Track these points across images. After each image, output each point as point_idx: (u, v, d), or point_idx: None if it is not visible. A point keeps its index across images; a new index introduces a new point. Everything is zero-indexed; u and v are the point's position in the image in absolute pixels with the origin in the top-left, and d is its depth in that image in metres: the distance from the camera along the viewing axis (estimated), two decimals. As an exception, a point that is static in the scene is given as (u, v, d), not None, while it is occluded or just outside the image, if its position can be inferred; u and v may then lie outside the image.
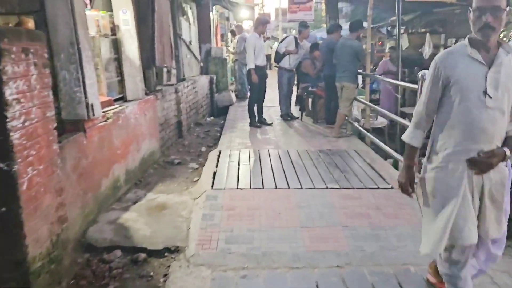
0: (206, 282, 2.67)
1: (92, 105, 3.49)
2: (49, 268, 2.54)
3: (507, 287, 2.58)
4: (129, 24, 4.73)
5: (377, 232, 3.28)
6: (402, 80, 6.55)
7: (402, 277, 2.69)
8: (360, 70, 6.41)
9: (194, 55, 8.87)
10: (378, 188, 4.13)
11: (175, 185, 4.56)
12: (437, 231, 2.06)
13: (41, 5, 3.27)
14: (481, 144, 1.95)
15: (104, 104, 3.96)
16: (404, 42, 8.34)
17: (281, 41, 7.88)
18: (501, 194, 2.04)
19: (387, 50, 10.06)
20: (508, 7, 1.87)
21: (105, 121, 3.84)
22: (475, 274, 2.29)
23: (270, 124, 7.27)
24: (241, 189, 4.14)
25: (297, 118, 7.79)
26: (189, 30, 8.49)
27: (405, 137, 2.21)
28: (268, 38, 19.67)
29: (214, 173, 4.58)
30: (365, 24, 6.77)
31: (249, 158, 5.21)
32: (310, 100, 7.87)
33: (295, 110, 8.27)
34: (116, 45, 4.74)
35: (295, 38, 7.39)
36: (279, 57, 7.41)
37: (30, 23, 3.63)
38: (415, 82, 7.89)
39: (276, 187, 4.18)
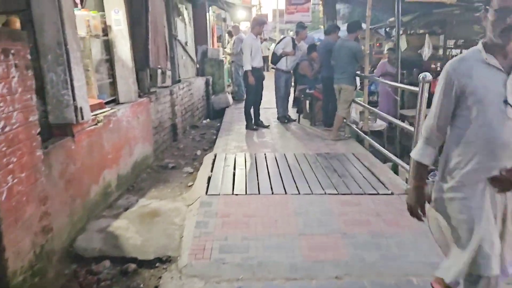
0: (199, 295, 2.54)
1: (81, 109, 3.35)
2: (32, 282, 2.40)
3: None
4: (121, 25, 4.59)
5: (377, 240, 3.16)
6: (400, 82, 6.44)
7: (405, 290, 2.57)
8: (358, 72, 6.29)
9: (190, 56, 8.74)
10: (378, 194, 4.00)
11: (169, 190, 4.42)
12: (458, 258, 1.84)
13: (27, 4, 3.13)
14: (503, 161, 1.73)
15: (95, 107, 3.82)
16: (403, 44, 8.24)
17: (278, 42, 7.76)
18: None
19: (385, 52, 9.97)
20: None
21: (95, 124, 3.70)
22: None
23: (267, 127, 7.14)
24: (237, 195, 4.00)
25: (294, 120, 7.67)
26: (184, 31, 8.36)
27: (414, 154, 1.98)
28: (265, 40, 19.59)
29: (209, 178, 4.45)
30: (363, 25, 6.65)
31: (245, 162, 5.08)
32: (307, 102, 7.74)
33: (292, 112, 8.15)
34: (108, 46, 4.60)
35: (293, 39, 7.26)
36: (276, 58, 7.28)
37: (18, 23, 3.50)
38: (414, 84, 7.87)
39: (272, 193, 4.04)
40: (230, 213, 3.60)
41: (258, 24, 6.91)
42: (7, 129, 2.19)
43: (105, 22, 4.55)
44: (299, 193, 4.01)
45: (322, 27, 19.09)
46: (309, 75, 7.56)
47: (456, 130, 1.84)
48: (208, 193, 4.02)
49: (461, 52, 8.12)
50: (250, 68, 6.64)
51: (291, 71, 7.58)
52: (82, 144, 3.43)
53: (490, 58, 1.74)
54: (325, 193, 4.00)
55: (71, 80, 3.27)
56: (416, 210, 1.98)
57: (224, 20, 14.82)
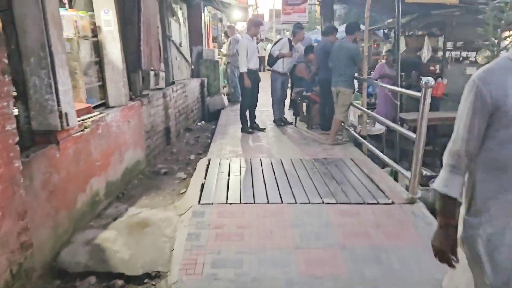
0: (188, 317, 2.37)
1: (66, 114, 3.17)
2: (8, 303, 2.23)
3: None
4: (111, 25, 4.41)
5: (378, 254, 3.00)
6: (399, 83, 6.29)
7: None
8: (356, 74, 6.14)
9: (184, 57, 8.57)
10: (378, 203, 3.84)
11: (160, 198, 4.25)
12: None
13: (8, 3, 2.95)
14: None
15: (82, 112, 3.65)
16: (401, 45, 8.09)
17: (274, 44, 7.59)
18: None
19: (383, 53, 9.84)
20: None
21: (82, 130, 3.52)
22: None
23: (262, 130, 6.98)
24: (231, 204, 3.83)
25: (291, 123, 7.50)
26: (179, 31, 8.18)
27: (438, 185, 1.64)
28: (261, 40, 19.44)
29: (202, 185, 4.27)
30: (361, 26, 6.51)
31: (240, 168, 4.91)
32: (304, 105, 7.58)
33: (288, 114, 7.99)
34: (98, 48, 4.41)
35: (289, 41, 7.09)
36: (272, 60, 7.10)
37: None
38: (412, 86, 7.77)
39: (268, 202, 3.87)
40: (223, 224, 3.43)
41: (254, 25, 6.73)
42: (-21, 140, 2.02)
43: (94, 22, 4.36)
44: (295, 202, 3.84)
45: (318, 27, 18.98)
46: (306, 77, 7.40)
47: (485, 153, 1.55)
48: (201, 202, 3.85)
49: (460, 54, 8.00)
50: (246, 70, 6.47)
51: (288, 73, 7.41)
52: (68, 152, 3.25)
53: None
54: (323, 202, 3.84)
55: (56, 84, 3.10)
56: (447, 254, 1.65)
57: (221, 20, 14.64)
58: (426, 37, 7.85)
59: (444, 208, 1.64)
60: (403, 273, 2.80)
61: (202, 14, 9.81)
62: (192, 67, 9.29)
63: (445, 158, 1.64)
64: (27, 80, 3.04)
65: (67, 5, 4.22)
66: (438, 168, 6.73)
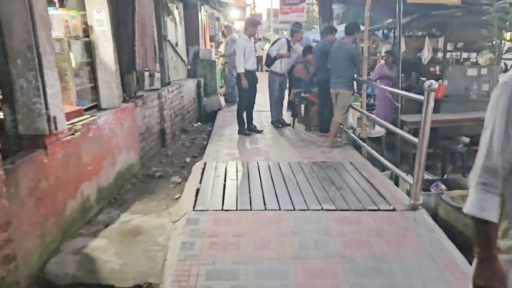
0: (181, 334, 2.25)
1: (54, 118, 3.05)
2: (-11, 321, 2.10)
3: None
4: (104, 25, 4.27)
5: (379, 265, 2.88)
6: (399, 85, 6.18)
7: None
8: (355, 76, 6.02)
9: (180, 57, 8.43)
10: (379, 209, 3.71)
11: (154, 203, 4.12)
12: None
13: (-7, 2, 2.82)
14: None
15: (72, 115, 3.51)
16: (401, 46, 7.97)
17: (272, 44, 7.46)
18: None
19: (383, 54, 9.72)
20: None
21: (72, 134, 3.38)
22: None
23: (260, 132, 6.85)
24: (226, 210, 3.70)
25: (289, 125, 7.38)
26: (175, 31, 8.04)
27: (471, 209, 1.39)
28: (259, 39, 19.30)
29: (197, 191, 4.13)
30: (361, 27, 6.38)
31: (237, 171, 4.77)
32: (302, 106, 7.46)
33: (286, 115, 7.86)
34: (90, 48, 4.28)
35: (288, 41, 6.96)
36: (270, 60, 6.97)
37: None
38: (412, 87, 7.65)
39: (265, 208, 3.74)
40: (219, 232, 3.30)
41: (252, 25, 6.59)
42: (-44, 148, 1.89)
43: (86, 22, 4.22)
44: (294, 209, 3.72)
45: (316, 27, 18.85)
46: (305, 78, 7.28)
47: None
48: (196, 208, 3.72)
49: (461, 55, 7.89)
50: (243, 71, 6.34)
51: (286, 74, 7.29)
52: (56, 157, 3.12)
53: None
54: (322, 209, 3.71)
55: (44, 87, 2.97)
56: None
57: (218, 19, 14.50)
58: (426, 37, 7.74)
59: (484, 238, 1.38)
60: (406, 285, 2.68)
61: (199, 13, 9.66)
62: (189, 67, 9.14)
63: (475, 176, 1.41)
64: (13, 83, 2.91)
65: (57, 4, 4.08)
66: (439, 171, 6.63)
